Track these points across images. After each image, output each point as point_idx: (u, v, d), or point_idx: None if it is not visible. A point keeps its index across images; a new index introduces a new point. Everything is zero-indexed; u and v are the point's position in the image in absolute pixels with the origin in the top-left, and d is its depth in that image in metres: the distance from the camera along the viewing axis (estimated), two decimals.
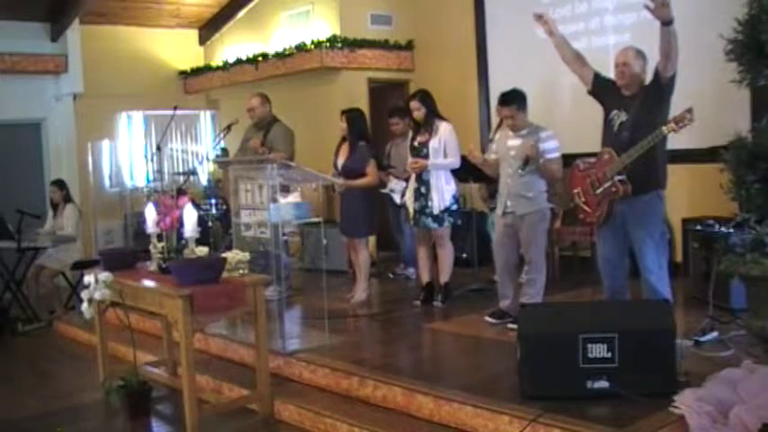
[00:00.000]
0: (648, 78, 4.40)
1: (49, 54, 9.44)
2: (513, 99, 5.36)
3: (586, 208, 4.59)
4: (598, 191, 4.47)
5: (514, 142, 5.35)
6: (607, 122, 4.53)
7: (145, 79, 10.55)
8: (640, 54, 4.43)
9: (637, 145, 4.24)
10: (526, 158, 5.21)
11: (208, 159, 9.22)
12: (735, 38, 4.57)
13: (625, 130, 4.38)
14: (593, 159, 4.58)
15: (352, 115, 6.45)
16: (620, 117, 4.44)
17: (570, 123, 7.18)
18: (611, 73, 4.61)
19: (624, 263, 4.61)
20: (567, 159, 5.33)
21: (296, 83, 9.15)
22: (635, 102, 4.39)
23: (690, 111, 4.10)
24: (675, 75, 4.28)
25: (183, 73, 11.04)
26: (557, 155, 5.30)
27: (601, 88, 4.61)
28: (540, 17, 4.78)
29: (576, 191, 4.64)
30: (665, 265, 4.47)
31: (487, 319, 5.50)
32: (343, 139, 6.52)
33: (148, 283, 4.59)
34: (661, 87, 4.31)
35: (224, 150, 8.71)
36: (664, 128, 4.18)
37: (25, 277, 7.66)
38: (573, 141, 6.69)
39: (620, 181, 4.34)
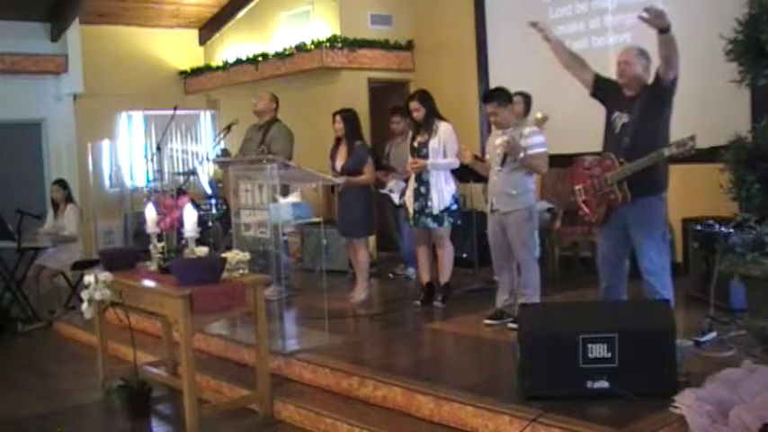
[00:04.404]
0: (651, 79, 4.35)
1: (49, 54, 9.43)
2: (494, 96, 5.38)
3: (585, 208, 4.57)
4: (599, 193, 4.44)
5: (499, 140, 5.34)
6: (609, 124, 4.48)
7: (145, 79, 10.55)
8: (643, 54, 4.35)
9: (638, 161, 4.19)
10: (504, 154, 5.22)
11: (208, 159, 9.20)
12: (735, 38, 4.57)
13: (626, 134, 4.31)
14: (596, 158, 4.54)
15: (347, 116, 6.45)
16: (621, 119, 4.38)
17: (571, 123, 7.18)
18: (611, 74, 4.57)
19: (623, 264, 4.56)
20: (569, 159, 5.32)
21: (296, 83, 9.14)
22: (636, 103, 4.32)
23: (692, 138, 4.06)
24: (677, 78, 4.21)
25: (183, 73, 11.04)
26: (540, 150, 5.25)
27: (602, 90, 4.55)
28: (534, 24, 4.74)
29: (577, 187, 4.60)
30: (667, 266, 4.41)
31: (486, 321, 5.48)
32: (338, 141, 6.52)
33: (148, 283, 4.59)
34: (663, 90, 4.24)
35: (224, 151, 8.68)
36: (665, 150, 4.15)
37: (25, 277, 7.65)
38: (574, 141, 6.71)
39: (619, 189, 4.30)
